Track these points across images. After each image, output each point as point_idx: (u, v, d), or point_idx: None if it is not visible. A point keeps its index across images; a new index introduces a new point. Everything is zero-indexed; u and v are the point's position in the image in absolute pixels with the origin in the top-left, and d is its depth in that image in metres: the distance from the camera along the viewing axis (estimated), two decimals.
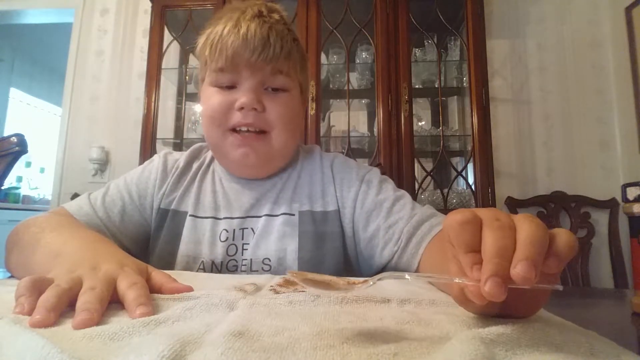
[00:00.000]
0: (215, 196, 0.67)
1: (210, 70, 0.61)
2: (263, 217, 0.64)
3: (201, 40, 0.63)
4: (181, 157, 0.72)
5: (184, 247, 0.63)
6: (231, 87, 0.61)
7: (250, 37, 0.58)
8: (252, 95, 0.59)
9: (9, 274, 0.53)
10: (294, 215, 0.64)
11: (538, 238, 0.24)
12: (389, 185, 0.67)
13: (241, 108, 0.59)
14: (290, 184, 0.67)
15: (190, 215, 0.65)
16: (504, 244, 0.24)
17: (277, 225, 0.63)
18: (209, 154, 0.73)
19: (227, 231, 0.64)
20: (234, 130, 0.61)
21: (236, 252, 0.63)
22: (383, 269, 0.62)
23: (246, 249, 0.63)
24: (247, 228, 0.64)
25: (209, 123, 0.63)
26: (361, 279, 0.28)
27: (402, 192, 0.66)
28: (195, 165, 0.71)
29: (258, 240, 0.63)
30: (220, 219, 0.65)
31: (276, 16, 0.62)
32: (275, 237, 0.62)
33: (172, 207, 0.67)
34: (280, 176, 0.68)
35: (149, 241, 0.67)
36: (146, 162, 0.72)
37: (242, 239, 0.63)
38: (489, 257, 0.24)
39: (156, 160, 0.71)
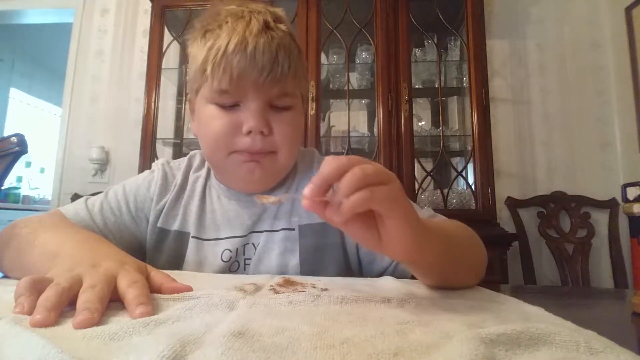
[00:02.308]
0: (215, 215, 0.65)
1: (210, 88, 0.57)
2: (264, 233, 0.64)
3: (199, 50, 0.57)
4: (179, 171, 0.70)
5: (188, 269, 0.62)
6: (233, 105, 0.57)
7: (259, 56, 0.54)
8: (260, 118, 0.56)
9: (3, 275, 0.53)
10: (293, 229, 0.63)
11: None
12: None
13: (249, 132, 0.56)
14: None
15: (192, 237, 0.64)
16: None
17: (277, 241, 0.63)
18: (205, 168, 0.70)
19: (230, 251, 0.62)
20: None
21: (238, 268, 0.62)
22: (384, 272, 0.62)
23: (248, 264, 0.62)
24: (248, 243, 0.63)
25: (211, 146, 0.59)
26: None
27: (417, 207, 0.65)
28: (191, 178, 0.69)
29: (260, 256, 0.62)
30: (221, 239, 0.64)
31: (283, 27, 0.58)
32: (276, 252, 0.62)
33: (175, 227, 0.65)
34: (279, 190, 0.67)
35: (143, 251, 0.66)
36: (146, 173, 0.70)
37: (244, 254, 0.63)
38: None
39: (156, 172, 0.69)
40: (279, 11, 0.61)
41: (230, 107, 0.57)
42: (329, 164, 0.33)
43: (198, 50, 0.58)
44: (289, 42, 0.58)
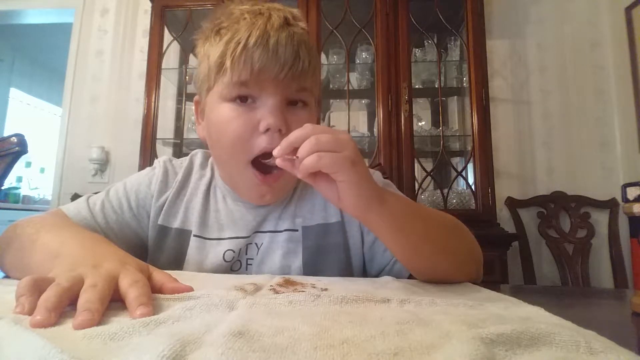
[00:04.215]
0: (218, 215, 0.65)
1: (229, 82, 0.54)
2: (267, 234, 0.63)
3: (213, 46, 0.56)
4: (180, 169, 0.69)
5: (188, 267, 0.62)
6: (249, 100, 0.55)
7: (281, 50, 0.52)
8: (279, 115, 0.54)
9: (4, 275, 0.53)
10: (297, 230, 0.63)
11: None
12: (391, 190, 0.65)
13: (266, 129, 0.54)
14: (294, 198, 0.66)
15: (194, 236, 0.63)
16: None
17: (280, 242, 0.62)
18: (209, 167, 0.69)
19: (233, 251, 0.62)
20: (253, 160, 0.56)
21: (240, 268, 0.62)
22: (382, 269, 0.63)
23: (250, 264, 0.62)
24: (251, 243, 0.63)
25: (228, 152, 0.57)
26: None
27: (403, 195, 0.66)
28: (194, 176, 0.68)
29: (263, 257, 0.62)
30: (224, 239, 0.63)
31: (302, 25, 0.57)
32: (279, 253, 0.61)
33: (175, 225, 0.64)
34: (284, 197, 0.66)
35: (146, 249, 0.66)
36: (147, 169, 0.69)
37: (246, 254, 0.63)
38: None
39: (157, 168, 0.68)
40: (296, 11, 0.60)
41: (245, 103, 0.55)
42: (295, 131, 0.41)
43: (212, 47, 0.56)
44: (308, 39, 0.57)
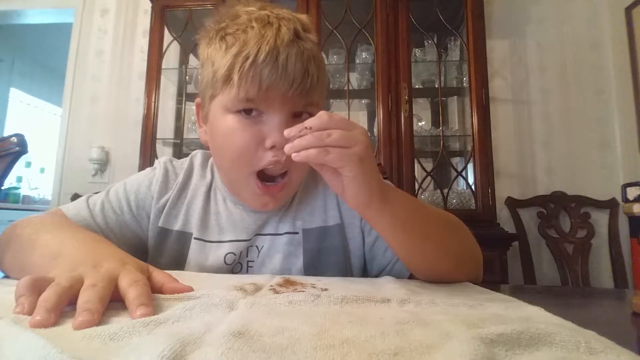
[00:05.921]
0: (219, 218, 0.64)
1: (236, 97, 0.53)
2: (268, 236, 0.63)
3: (219, 54, 0.54)
4: (181, 170, 0.68)
5: (189, 270, 0.61)
6: (254, 113, 0.54)
7: (291, 68, 0.51)
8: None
9: (3, 275, 0.52)
10: (297, 233, 0.63)
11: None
12: None
13: (272, 146, 0.53)
14: (294, 201, 0.66)
15: (195, 238, 0.63)
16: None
17: (281, 245, 0.62)
18: (209, 169, 0.69)
19: (234, 254, 0.62)
20: (257, 171, 0.56)
21: (240, 270, 0.62)
22: (382, 270, 0.63)
23: (251, 266, 0.62)
24: (252, 246, 0.63)
25: (232, 162, 0.57)
26: None
27: (406, 194, 0.66)
28: (194, 178, 0.68)
29: (263, 259, 0.62)
30: (224, 241, 0.63)
31: (312, 37, 0.56)
32: (280, 256, 0.61)
33: (176, 228, 0.64)
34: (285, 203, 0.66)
35: (146, 250, 0.65)
36: (148, 170, 0.69)
37: (247, 256, 0.63)
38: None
39: (157, 169, 0.68)
40: (306, 19, 0.58)
41: (251, 116, 0.54)
42: (309, 119, 0.42)
43: (217, 54, 0.55)
44: (317, 53, 0.56)
